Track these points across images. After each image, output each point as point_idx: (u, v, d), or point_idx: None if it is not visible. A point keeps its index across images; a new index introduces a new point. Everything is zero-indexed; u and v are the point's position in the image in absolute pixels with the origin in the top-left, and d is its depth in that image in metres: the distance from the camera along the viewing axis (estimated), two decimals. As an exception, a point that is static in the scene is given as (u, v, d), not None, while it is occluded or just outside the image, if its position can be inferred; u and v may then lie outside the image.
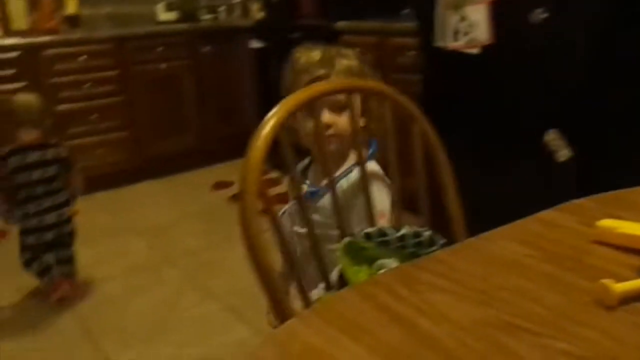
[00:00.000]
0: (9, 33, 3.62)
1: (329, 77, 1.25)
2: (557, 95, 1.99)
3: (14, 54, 3.35)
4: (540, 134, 1.98)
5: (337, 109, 1.26)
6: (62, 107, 3.51)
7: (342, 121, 1.27)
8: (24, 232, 2.42)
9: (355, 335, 0.68)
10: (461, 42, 2.32)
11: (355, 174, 1.27)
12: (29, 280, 2.57)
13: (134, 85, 3.69)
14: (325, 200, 1.25)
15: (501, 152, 2.11)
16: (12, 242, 2.54)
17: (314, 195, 1.31)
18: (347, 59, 1.30)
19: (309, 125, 1.23)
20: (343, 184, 1.29)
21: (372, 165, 1.30)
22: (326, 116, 1.25)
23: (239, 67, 4.07)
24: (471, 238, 0.91)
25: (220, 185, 3.65)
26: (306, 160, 1.40)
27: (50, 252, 2.44)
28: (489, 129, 2.17)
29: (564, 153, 2.01)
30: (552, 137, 2.02)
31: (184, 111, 3.95)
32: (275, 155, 1.06)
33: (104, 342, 2.12)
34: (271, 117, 1.06)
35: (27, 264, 2.44)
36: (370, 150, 1.33)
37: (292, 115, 1.13)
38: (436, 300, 0.74)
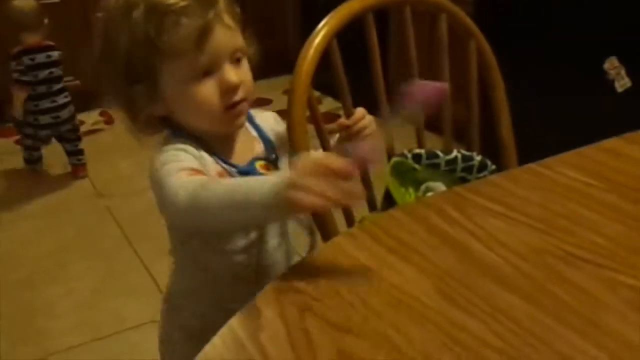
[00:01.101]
0: None
1: (216, 20, 0.80)
2: (620, 21, 1.87)
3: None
4: (601, 60, 1.88)
5: (236, 60, 0.83)
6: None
7: (247, 76, 0.85)
8: (23, 124, 2.61)
9: (405, 256, 0.66)
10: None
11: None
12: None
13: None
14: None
15: (561, 77, 2.01)
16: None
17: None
18: None
19: (207, 90, 0.81)
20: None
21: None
22: (231, 73, 0.81)
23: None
24: (529, 164, 0.86)
25: (259, 101, 3.61)
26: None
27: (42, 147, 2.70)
28: (548, 52, 2.07)
29: (623, 83, 1.91)
30: (612, 65, 1.91)
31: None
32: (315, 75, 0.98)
33: (142, 249, 2.16)
34: (322, 27, 1.00)
35: (25, 148, 2.70)
36: None
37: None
38: (490, 225, 0.71)
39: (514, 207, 0.75)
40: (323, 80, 1.08)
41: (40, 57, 2.49)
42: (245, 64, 0.85)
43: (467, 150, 1.15)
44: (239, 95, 0.82)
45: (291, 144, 0.94)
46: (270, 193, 0.65)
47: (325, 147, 1.04)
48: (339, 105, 3.65)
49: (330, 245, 0.70)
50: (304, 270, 0.65)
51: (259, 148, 0.90)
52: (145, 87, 0.81)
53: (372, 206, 1.11)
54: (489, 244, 0.67)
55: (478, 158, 1.08)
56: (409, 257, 0.66)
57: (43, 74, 2.50)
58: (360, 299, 0.59)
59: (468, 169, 1.07)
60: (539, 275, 0.62)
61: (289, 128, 0.92)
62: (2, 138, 3.14)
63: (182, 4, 0.78)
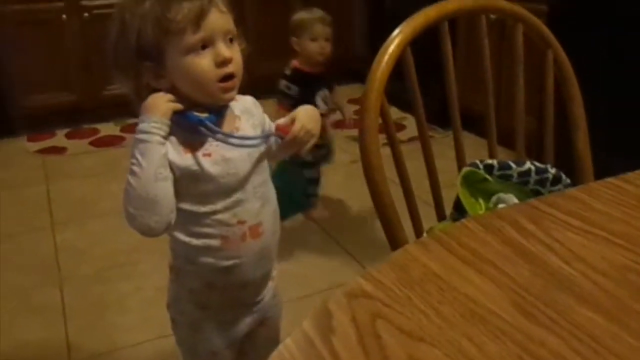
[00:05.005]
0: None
1: (211, 5, 0.95)
2: None
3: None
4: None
5: (229, 40, 0.97)
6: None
7: (238, 55, 0.99)
8: None
9: (479, 267, 0.65)
10: (601, -31, 2.11)
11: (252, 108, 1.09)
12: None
13: (248, 3, 3.68)
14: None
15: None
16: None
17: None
18: None
19: (204, 62, 0.95)
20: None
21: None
22: (224, 48, 0.96)
23: (350, -7, 3.96)
24: (608, 178, 0.83)
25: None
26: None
27: None
28: (630, 63, 2.00)
29: None
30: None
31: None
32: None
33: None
34: (397, 35, 1.00)
35: None
36: None
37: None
38: (568, 240, 0.69)
39: (593, 221, 0.72)
40: (388, 89, 1.08)
41: None
42: (236, 46, 0.99)
43: (540, 162, 1.12)
44: (230, 68, 0.96)
45: (362, 150, 0.94)
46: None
47: (396, 155, 1.03)
48: (404, 115, 3.64)
49: (401, 252, 0.70)
50: (375, 276, 0.64)
51: (240, 123, 1.04)
52: (153, 63, 0.96)
53: (440, 216, 1.10)
54: (567, 258, 0.66)
55: (552, 171, 1.05)
56: (483, 268, 0.65)
57: None
58: (433, 308, 0.59)
59: (541, 182, 1.05)
60: (621, 292, 0.59)
61: (360, 134, 0.92)
62: (78, 139, 3.29)
63: None
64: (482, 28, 1.13)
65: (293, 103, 2.08)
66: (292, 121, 1.04)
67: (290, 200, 2.26)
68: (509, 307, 0.58)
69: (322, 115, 2.18)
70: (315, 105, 2.13)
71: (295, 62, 2.25)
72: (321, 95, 2.24)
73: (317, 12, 2.29)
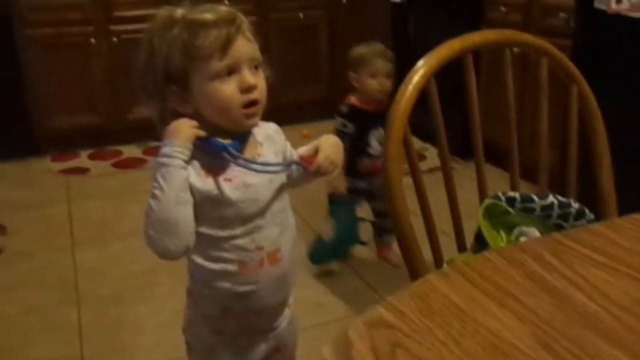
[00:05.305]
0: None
1: (238, 32, 0.96)
2: None
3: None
4: None
5: (254, 67, 0.99)
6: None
7: (262, 82, 1.00)
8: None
9: (501, 300, 0.64)
10: (625, 5, 2.12)
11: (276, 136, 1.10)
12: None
13: (272, 32, 3.73)
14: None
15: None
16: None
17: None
18: (239, 14, 1.01)
19: (229, 88, 0.96)
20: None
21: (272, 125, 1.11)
22: (249, 75, 0.97)
23: (375, 22, 3.99)
24: (633, 214, 0.82)
25: (345, 138, 3.64)
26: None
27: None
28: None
29: None
30: None
31: (317, 62, 3.95)
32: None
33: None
34: (421, 66, 1.01)
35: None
36: None
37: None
38: (592, 275, 0.68)
39: (617, 257, 0.71)
40: (409, 119, 1.08)
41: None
42: (261, 73, 1.00)
43: (562, 197, 1.11)
44: (254, 95, 0.98)
45: (385, 179, 0.95)
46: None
47: (417, 184, 1.03)
48: (425, 146, 3.63)
49: (422, 282, 0.69)
50: (395, 305, 0.64)
51: (261, 149, 1.05)
52: (179, 88, 0.98)
53: (461, 247, 1.09)
54: (590, 294, 0.65)
55: (575, 205, 1.04)
56: (505, 301, 0.64)
57: None
58: (454, 340, 0.58)
59: (564, 216, 1.04)
60: (646, 331, 0.59)
61: (384, 163, 0.93)
62: (101, 161, 3.33)
63: (213, 19, 0.96)
64: (506, 61, 1.13)
65: (350, 142, 1.98)
66: (316, 151, 1.05)
67: (342, 242, 2.14)
68: (531, 341, 0.58)
69: (375, 157, 2.08)
70: (369, 144, 2.08)
71: (352, 99, 2.11)
72: (376, 134, 2.09)
73: (377, 47, 2.12)
